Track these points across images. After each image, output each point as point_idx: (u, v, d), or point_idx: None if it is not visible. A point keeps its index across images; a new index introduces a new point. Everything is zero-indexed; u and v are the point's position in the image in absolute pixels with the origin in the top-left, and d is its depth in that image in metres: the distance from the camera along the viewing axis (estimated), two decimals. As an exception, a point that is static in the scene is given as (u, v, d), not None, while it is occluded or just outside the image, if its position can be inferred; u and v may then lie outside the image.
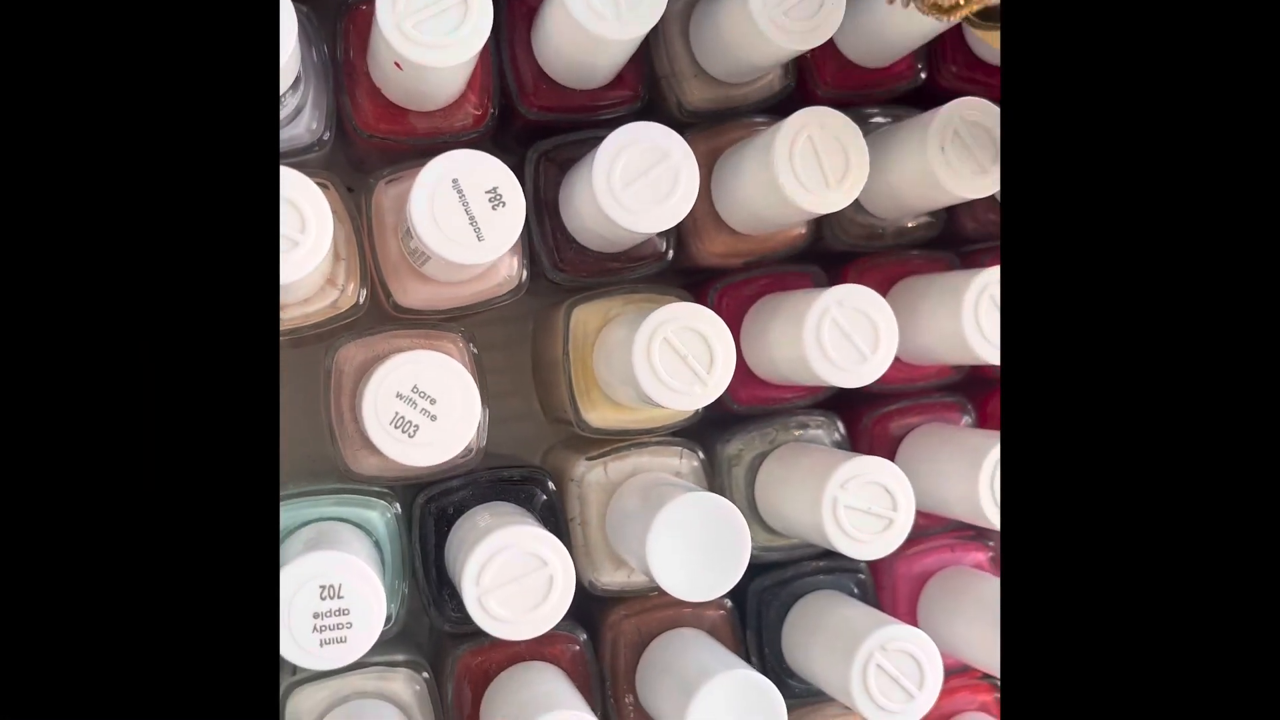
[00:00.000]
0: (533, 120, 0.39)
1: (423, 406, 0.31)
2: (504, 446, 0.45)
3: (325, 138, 0.37)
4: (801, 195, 0.35)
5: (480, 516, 0.35)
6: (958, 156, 0.36)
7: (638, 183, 0.34)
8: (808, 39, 0.35)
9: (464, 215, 0.32)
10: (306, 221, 0.31)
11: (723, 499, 0.34)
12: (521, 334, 0.46)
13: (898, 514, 0.36)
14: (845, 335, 0.35)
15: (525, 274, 0.38)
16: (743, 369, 0.40)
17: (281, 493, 0.37)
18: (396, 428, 0.31)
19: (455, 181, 0.32)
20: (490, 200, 0.32)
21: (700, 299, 0.41)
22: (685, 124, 0.41)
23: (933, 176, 0.36)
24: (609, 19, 0.33)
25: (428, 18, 0.32)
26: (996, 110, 0.37)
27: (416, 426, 0.31)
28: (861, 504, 0.35)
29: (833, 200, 0.35)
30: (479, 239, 0.32)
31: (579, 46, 0.35)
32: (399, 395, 0.31)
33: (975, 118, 0.37)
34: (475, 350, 0.38)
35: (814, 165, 0.35)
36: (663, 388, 0.34)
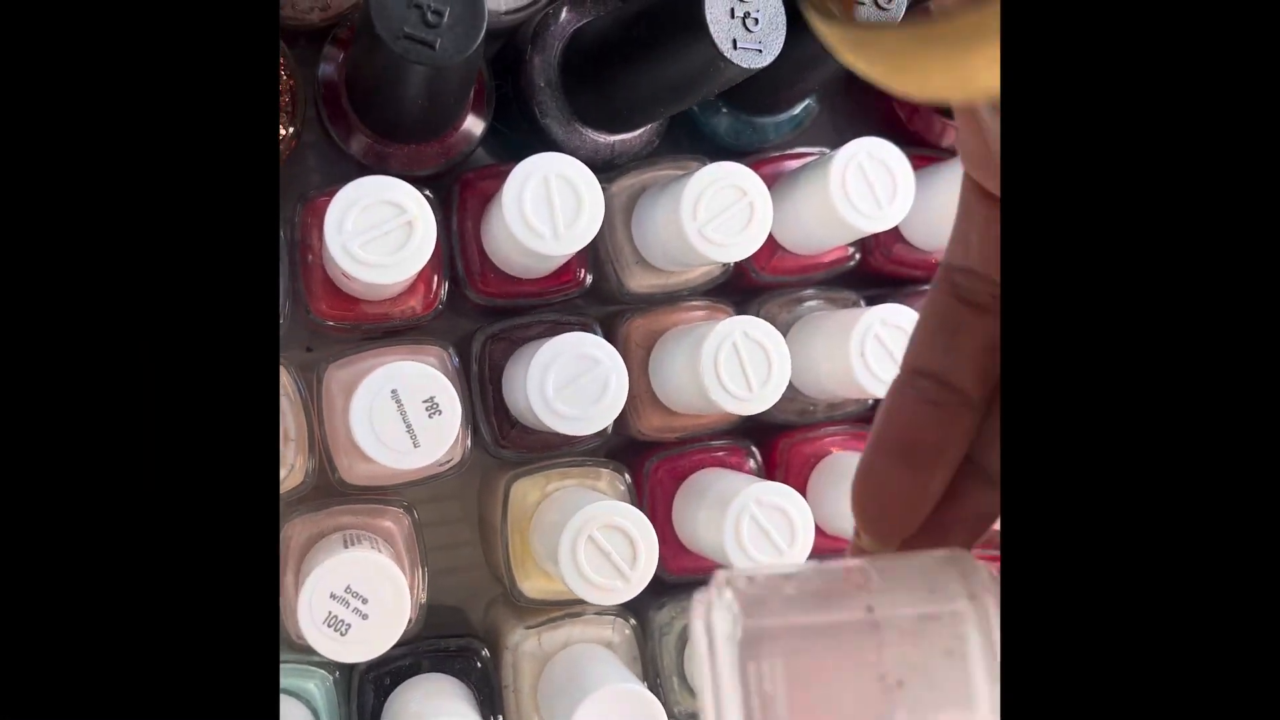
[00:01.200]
0: (481, 304, 0.41)
1: (355, 606, 0.33)
2: (451, 596, 0.47)
3: (283, 322, 0.39)
4: (727, 400, 0.37)
5: (412, 697, 0.37)
6: (876, 360, 0.38)
7: (568, 389, 0.36)
8: (733, 252, 0.38)
9: (401, 424, 0.34)
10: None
11: (645, 693, 0.36)
12: (473, 484, 0.48)
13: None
14: (763, 531, 0.37)
15: (468, 450, 0.40)
16: (675, 541, 0.42)
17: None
18: (329, 626, 0.33)
19: (394, 392, 0.34)
20: (427, 409, 0.34)
21: (637, 470, 0.43)
22: (627, 305, 0.43)
23: (853, 378, 0.38)
24: (547, 238, 0.35)
25: (374, 238, 0.34)
26: (914, 316, 0.39)
27: (349, 625, 0.33)
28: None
29: (752, 405, 0.37)
30: (414, 446, 0.34)
31: (522, 253, 0.37)
32: (333, 595, 0.33)
33: (898, 322, 0.39)
34: (415, 518, 0.40)
35: (739, 372, 0.37)
36: (588, 585, 0.36)
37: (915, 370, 0.22)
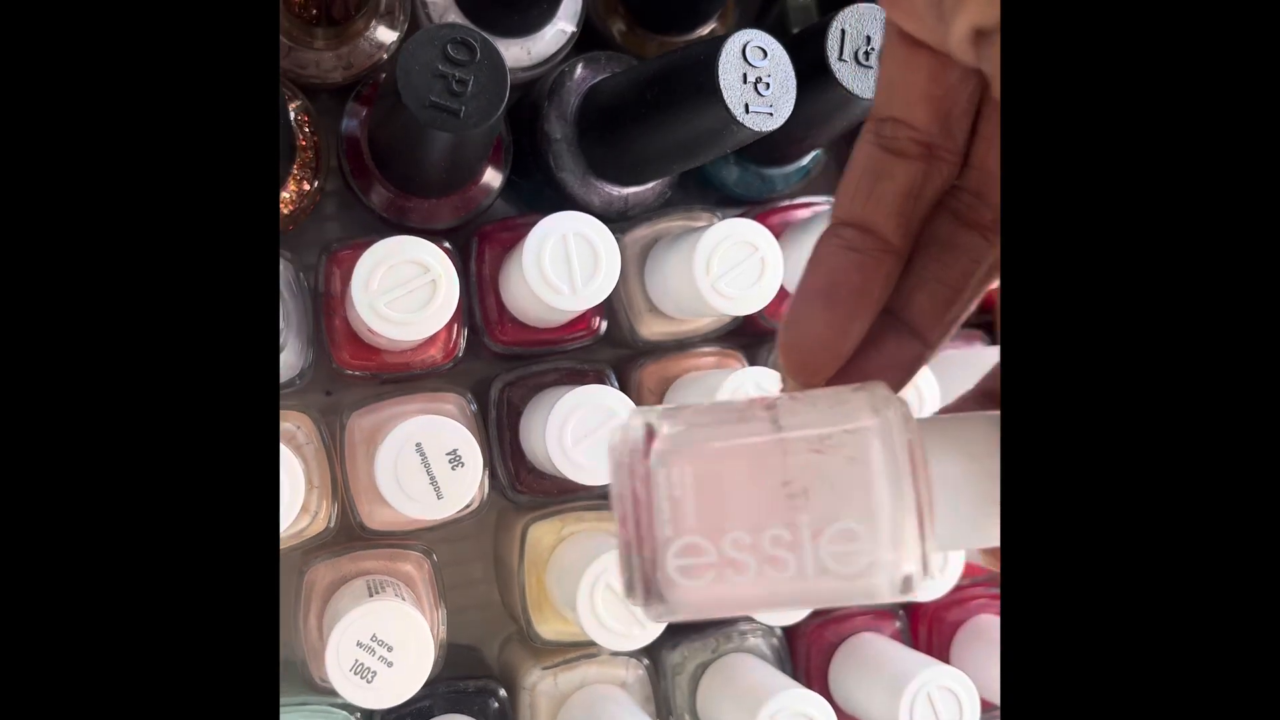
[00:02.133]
0: (499, 352, 0.42)
1: (380, 654, 0.34)
2: (466, 633, 0.48)
3: (306, 368, 0.40)
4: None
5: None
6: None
7: (586, 440, 0.37)
8: (745, 305, 0.39)
9: (425, 476, 0.35)
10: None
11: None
12: (488, 524, 0.49)
13: (822, 742, 0.39)
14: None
15: (486, 495, 0.41)
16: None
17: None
18: (356, 674, 0.34)
19: (419, 446, 0.35)
20: (450, 461, 0.35)
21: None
22: (639, 351, 0.44)
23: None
24: (565, 294, 0.37)
25: (399, 296, 0.35)
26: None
27: (374, 673, 0.34)
28: (789, 734, 0.38)
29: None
30: (439, 497, 0.35)
31: (539, 307, 0.38)
32: (359, 644, 0.34)
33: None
34: (435, 561, 0.41)
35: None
36: (605, 631, 0.37)
37: (839, 221, 0.22)
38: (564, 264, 0.37)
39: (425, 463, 0.35)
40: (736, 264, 0.38)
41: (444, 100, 0.33)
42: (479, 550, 0.49)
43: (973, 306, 0.24)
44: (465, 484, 0.35)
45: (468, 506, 0.41)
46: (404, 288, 0.35)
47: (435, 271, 0.35)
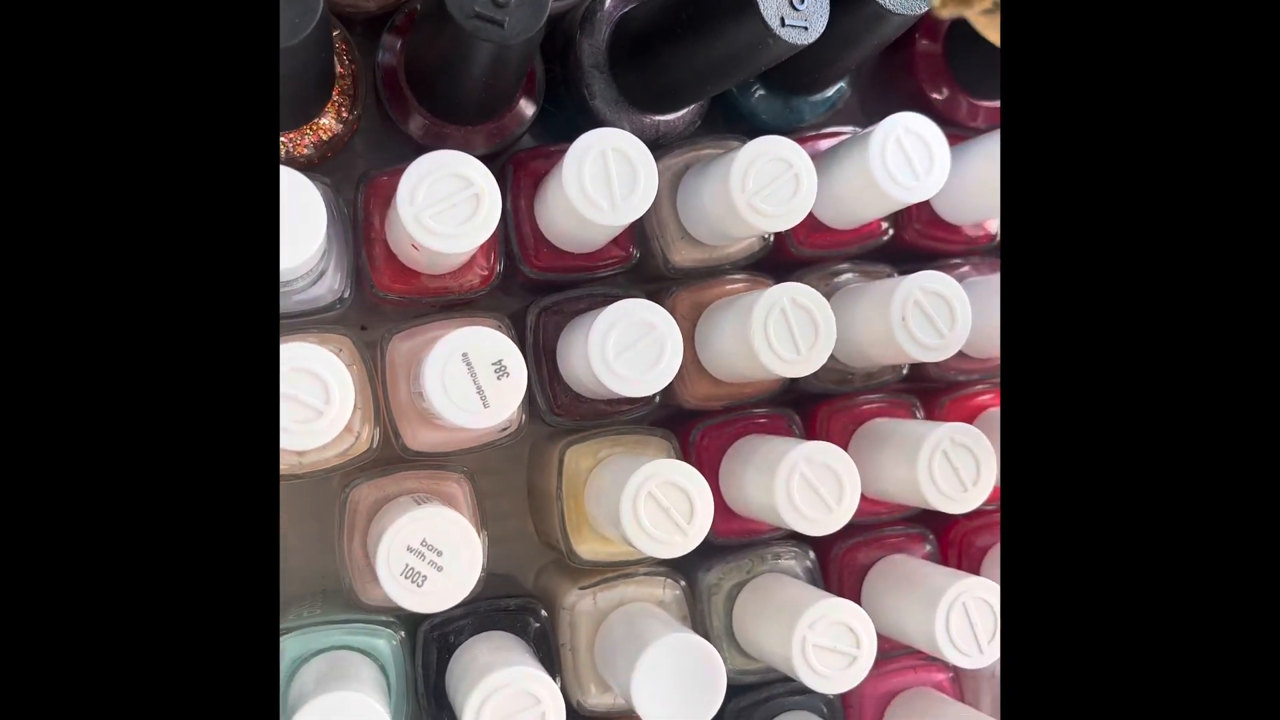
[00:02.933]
0: (534, 278, 0.43)
1: (430, 559, 0.35)
2: (501, 565, 0.49)
3: (345, 296, 0.41)
4: (776, 364, 0.39)
5: (480, 650, 0.39)
6: (918, 325, 0.40)
7: (627, 353, 0.37)
8: (780, 222, 0.39)
9: (472, 385, 0.35)
10: (330, 393, 0.34)
11: (703, 642, 0.37)
12: (518, 459, 0.50)
13: (861, 651, 0.39)
14: (813, 489, 0.39)
15: (524, 419, 0.42)
16: (721, 505, 0.44)
17: (296, 621, 0.40)
18: (407, 578, 0.35)
19: (465, 355, 0.35)
20: (496, 371, 0.36)
21: (684, 438, 0.45)
22: (671, 279, 0.45)
23: (895, 343, 0.40)
24: (604, 209, 0.37)
25: (444, 209, 0.36)
26: (953, 282, 0.41)
27: (425, 577, 0.35)
28: (828, 642, 0.39)
29: (801, 367, 0.39)
30: (485, 405, 0.36)
31: (577, 225, 0.39)
32: (409, 549, 0.35)
33: (936, 288, 0.41)
34: (475, 483, 0.42)
35: (787, 336, 0.39)
36: (648, 539, 0.37)
37: None
38: (603, 180, 0.37)
39: (471, 372, 0.35)
40: (772, 179, 0.39)
41: (488, 11, 0.34)
42: (509, 485, 0.50)
43: None
44: (510, 393, 0.36)
45: (506, 428, 0.41)
46: (448, 200, 0.35)
47: (478, 185, 0.36)
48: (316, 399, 0.34)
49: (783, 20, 0.36)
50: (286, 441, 0.34)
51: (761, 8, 0.35)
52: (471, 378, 0.36)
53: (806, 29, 0.36)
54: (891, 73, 0.50)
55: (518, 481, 0.50)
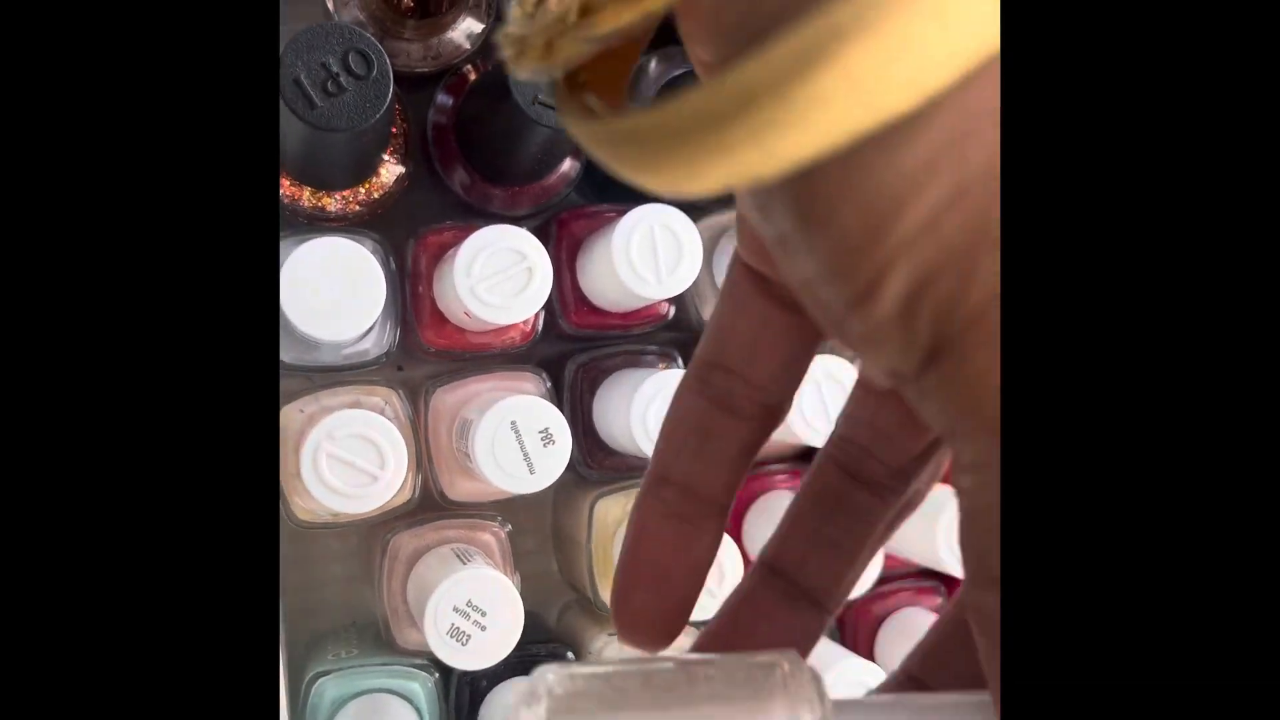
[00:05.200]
0: (573, 334, 0.44)
1: (475, 618, 0.36)
2: (525, 602, 0.50)
3: (392, 349, 0.42)
4: (808, 434, 0.40)
5: (508, 699, 0.40)
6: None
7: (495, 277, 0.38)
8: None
9: (519, 453, 0.37)
10: (385, 459, 0.36)
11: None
12: (543, 499, 0.51)
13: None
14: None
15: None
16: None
17: (335, 662, 0.42)
18: (452, 637, 0.36)
19: (513, 424, 0.37)
20: (542, 439, 0.37)
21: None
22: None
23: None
24: (651, 283, 0.39)
25: (498, 282, 0.37)
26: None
27: (469, 636, 0.36)
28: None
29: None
30: (531, 472, 0.37)
31: (623, 295, 0.40)
32: (455, 608, 0.36)
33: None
34: (509, 531, 0.43)
35: (819, 404, 0.40)
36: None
37: (659, 478, 0.20)
38: (650, 254, 0.39)
39: (519, 440, 0.37)
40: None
41: (550, 99, 0.35)
42: (533, 523, 0.51)
43: (870, 567, 0.22)
44: (556, 460, 0.37)
45: (542, 481, 0.43)
46: (503, 274, 0.37)
47: (531, 259, 0.37)
48: (372, 464, 0.36)
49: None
50: (342, 505, 0.35)
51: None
52: (519, 445, 0.37)
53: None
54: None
55: (541, 521, 0.51)
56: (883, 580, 0.48)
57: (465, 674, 0.43)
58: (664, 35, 0.49)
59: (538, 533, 0.51)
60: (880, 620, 0.48)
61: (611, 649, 0.44)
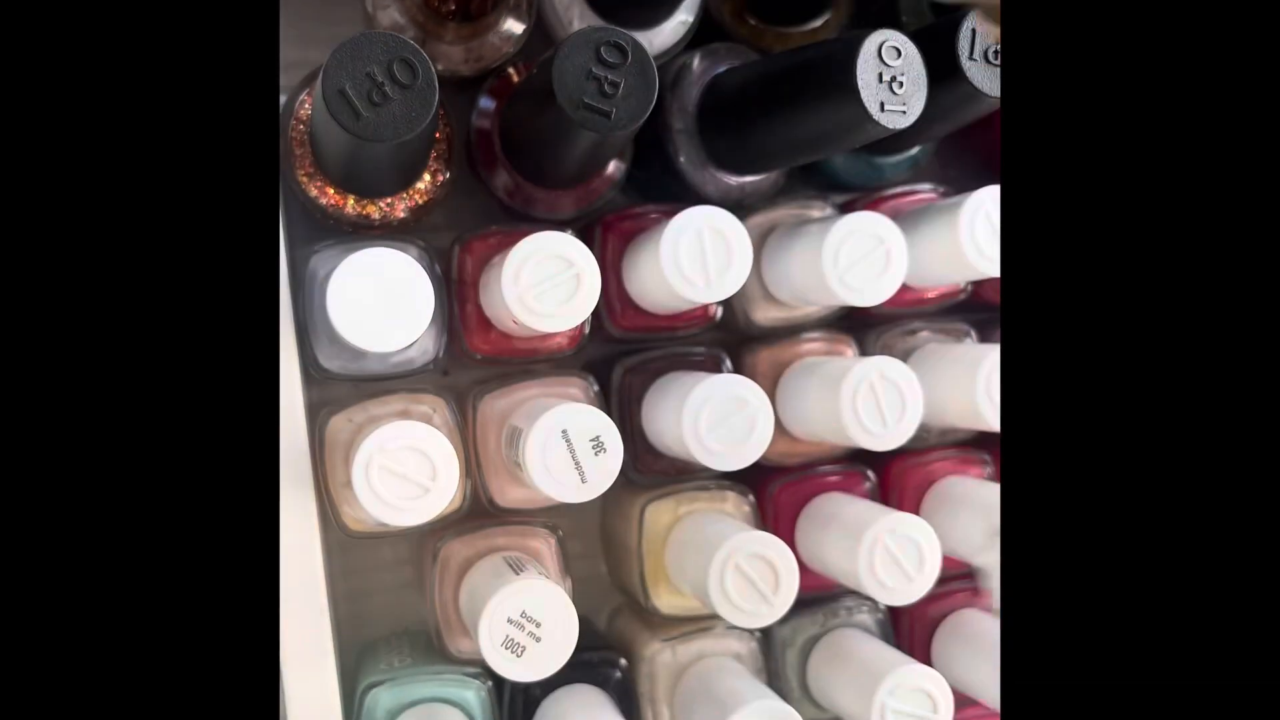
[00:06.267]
0: (619, 337, 0.44)
1: (530, 630, 0.36)
2: (575, 606, 0.50)
3: (439, 357, 0.42)
4: (864, 437, 0.39)
5: (571, 706, 0.40)
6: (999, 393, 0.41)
7: (720, 428, 0.38)
8: (870, 298, 0.40)
9: (571, 462, 0.36)
10: (437, 471, 0.35)
11: (790, 711, 0.38)
12: (592, 502, 0.51)
13: (938, 715, 0.40)
14: (894, 559, 0.40)
15: (608, 476, 0.43)
16: (798, 559, 0.45)
17: (388, 672, 0.42)
18: (507, 648, 0.36)
19: (565, 432, 0.36)
20: (594, 447, 0.37)
21: (759, 493, 0.46)
22: (750, 336, 0.46)
23: (978, 413, 0.41)
24: (699, 286, 0.38)
25: (546, 290, 0.36)
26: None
27: (524, 648, 0.36)
28: (907, 709, 0.40)
29: (889, 441, 0.40)
30: (582, 481, 0.37)
31: (670, 298, 0.40)
32: (509, 620, 0.36)
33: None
34: (560, 537, 0.43)
35: (874, 410, 0.40)
36: (735, 610, 0.38)
37: None
38: (699, 258, 0.38)
39: (570, 449, 0.36)
40: (864, 256, 0.39)
41: (596, 102, 0.34)
42: (581, 527, 0.51)
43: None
44: (607, 469, 0.37)
45: (591, 487, 0.42)
46: (551, 281, 0.36)
47: (579, 266, 0.36)
48: (425, 477, 0.35)
49: (882, 105, 0.36)
50: (395, 518, 0.35)
51: (863, 94, 0.36)
52: (570, 454, 0.36)
53: (905, 113, 0.36)
54: (971, 130, 0.50)
55: (590, 525, 0.51)
56: (940, 581, 0.47)
57: (518, 684, 0.42)
58: (706, 32, 0.47)
59: (586, 536, 0.51)
60: (936, 623, 0.47)
61: (664, 655, 0.44)
